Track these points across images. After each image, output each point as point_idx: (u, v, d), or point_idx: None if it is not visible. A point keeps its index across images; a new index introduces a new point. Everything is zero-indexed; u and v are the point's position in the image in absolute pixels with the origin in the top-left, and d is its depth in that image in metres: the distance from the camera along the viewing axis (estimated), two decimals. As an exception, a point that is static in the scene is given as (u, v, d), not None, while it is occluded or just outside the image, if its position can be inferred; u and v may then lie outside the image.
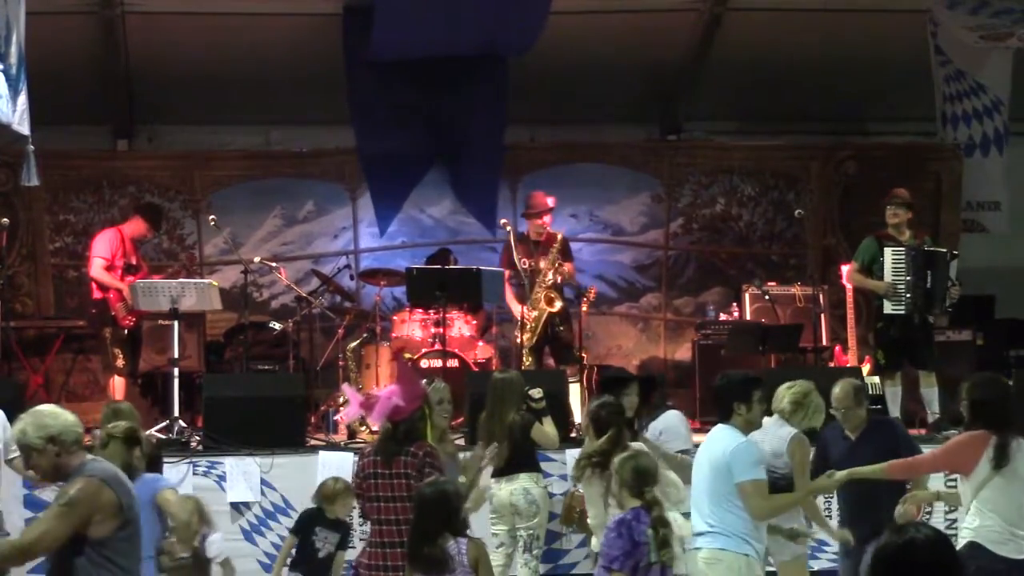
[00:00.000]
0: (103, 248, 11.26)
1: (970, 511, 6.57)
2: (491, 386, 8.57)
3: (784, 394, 7.53)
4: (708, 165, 14.18)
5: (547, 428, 8.43)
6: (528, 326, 11.38)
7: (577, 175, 13.78)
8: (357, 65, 12.86)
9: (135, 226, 11.54)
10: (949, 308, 11.00)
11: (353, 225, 13.74)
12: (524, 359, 11.40)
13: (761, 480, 6.57)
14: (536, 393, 8.50)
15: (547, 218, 11.70)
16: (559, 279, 11.51)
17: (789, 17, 13.24)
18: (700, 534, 6.65)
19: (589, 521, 7.77)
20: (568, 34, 12.78)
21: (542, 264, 11.45)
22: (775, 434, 7.44)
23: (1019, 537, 6.49)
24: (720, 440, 6.69)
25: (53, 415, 4.90)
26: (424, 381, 7.81)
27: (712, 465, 6.63)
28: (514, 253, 11.39)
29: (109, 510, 4.74)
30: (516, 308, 11.52)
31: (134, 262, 11.40)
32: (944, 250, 11.01)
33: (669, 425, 8.15)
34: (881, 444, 7.43)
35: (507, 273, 11.53)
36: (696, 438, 7.98)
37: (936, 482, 8.05)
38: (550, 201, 11.76)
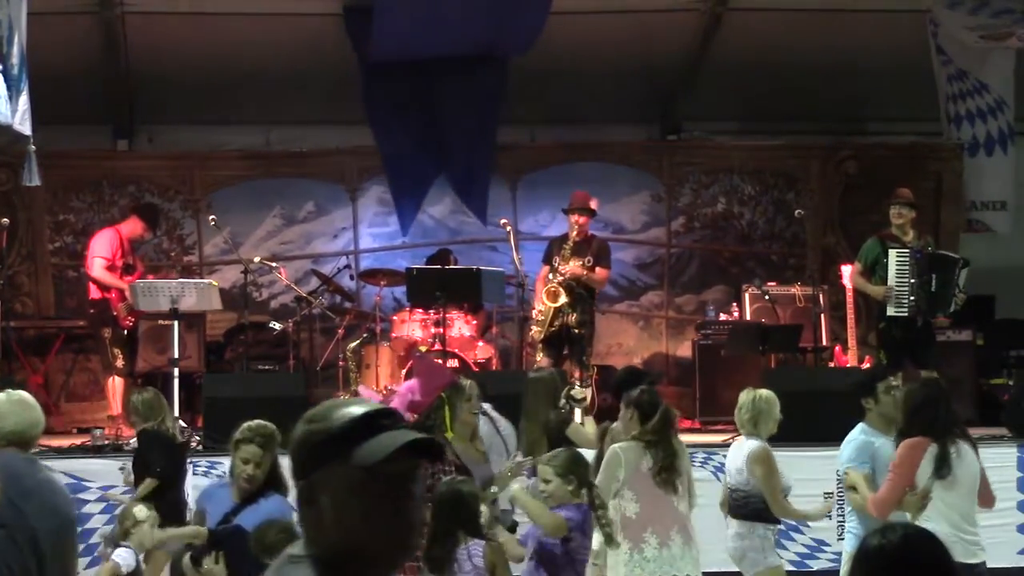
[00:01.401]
0: (103, 248, 11.26)
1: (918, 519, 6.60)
2: (525, 386, 8.49)
3: (737, 415, 7.65)
4: (708, 165, 14.18)
5: (586, 427, 8.34)
6: (537, 320, 11.33)
7: (577, 174, 13.76)
8: (367, 65, 12.84)
9: (132, 226, 11.55)
10: (952, 312, 11.02)
11: (353, 225, 13.75)
12: (537, 354, 11.36)
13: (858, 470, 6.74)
14: (578, 393, 8.44)
15: (580, 217, 11.47)
16: (579, 278, 11.35)
17: (789, 17, 13.24)
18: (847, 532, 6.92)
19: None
20: (568, 34, 12.77)
21: (570, 264, 11.33)
22: (738, 451, 7.54)
23: (965, 541, 6.54)
24: (847, 439, 6.98)
25: (9, 404, 4.71)
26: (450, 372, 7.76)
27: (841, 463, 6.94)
28: (554, 251, 11.37)
29: None
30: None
31: (131, 262, 11.42)
32: (957, 256, 11.00)
33: None
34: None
35: (545, 269, 11.47)
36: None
37: None
38: (592, 203, 11.58)
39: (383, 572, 2.51)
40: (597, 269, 11.43)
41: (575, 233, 11.39)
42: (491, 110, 13.26)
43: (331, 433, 2.46)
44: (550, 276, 11.36)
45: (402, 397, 6.97)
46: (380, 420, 2.48)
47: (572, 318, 11.30)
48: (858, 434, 6.87)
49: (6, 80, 8.47)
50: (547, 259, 11.51)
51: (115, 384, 11.13)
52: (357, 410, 2.49)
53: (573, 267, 11.27)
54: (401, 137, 13.21)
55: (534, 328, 11.36)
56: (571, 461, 6.51)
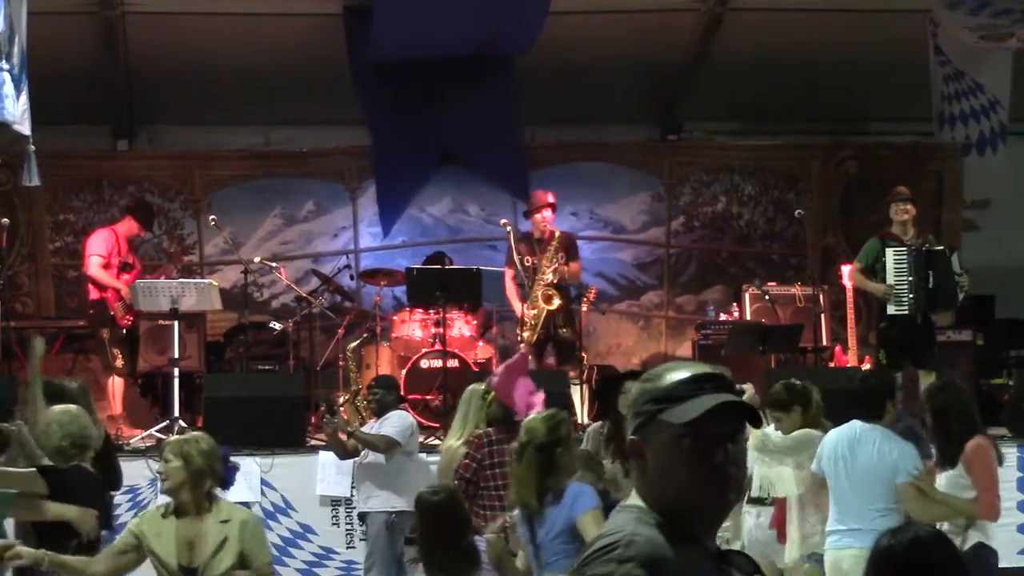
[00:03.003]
0: (99, 246, 11.28)
1: None
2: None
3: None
4: (708, 164, 14.19)
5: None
6: (528, 324, 11.37)
7: (577, 174, 13.79)
8: (361, 65, 12.82)
9: (127, 226, 11.57)
10: (961, 300, 11.09)
11: (353, 225, 13.74)
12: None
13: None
14: None
15: (547, 214, 11.69)
16: (558, 278, 11.48)
17: (789, 17, 13.24)
18: (844, 532, 6.72)
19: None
20: (568, 34, 12.77)
21: (543, 262, 11.44)
22: None
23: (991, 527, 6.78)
24: (874, 440, 6.80)
25: None
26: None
27: (868, 464, 6.73)
28: (514, 252, 11.40)
29: None
30: (518, 306, 11.54)
31: (130, 261, 11.42)
32: (941, 247, 11.03)
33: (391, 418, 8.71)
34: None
35: (511, 272, 11.54)
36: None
37: None
38: (550, 197, 11.77)
39: (702, 525, 2.61)
40: (570, 264, 11.53)
41: (544, 232, 11.56)
42: (508, 109, 13.27)
43: (657, 392, 2.60)
44: (546, 277, 11.40)
45: (522, 397, 6.96)
46: (703, 383, 2.59)
47: (559, 319, 11.40)
48: (893, 436, 6.80)
49: (11, 79, 8.46)
50: (511, 261, 11.52)
51: (115, 384, 11.13)
52: (684, 373, 2.61)
53: (559, 267, 11.38)
54: (398, 136, 13.21)
55: (525, 332, 11.38)
56: (587, 458, 6.50)
